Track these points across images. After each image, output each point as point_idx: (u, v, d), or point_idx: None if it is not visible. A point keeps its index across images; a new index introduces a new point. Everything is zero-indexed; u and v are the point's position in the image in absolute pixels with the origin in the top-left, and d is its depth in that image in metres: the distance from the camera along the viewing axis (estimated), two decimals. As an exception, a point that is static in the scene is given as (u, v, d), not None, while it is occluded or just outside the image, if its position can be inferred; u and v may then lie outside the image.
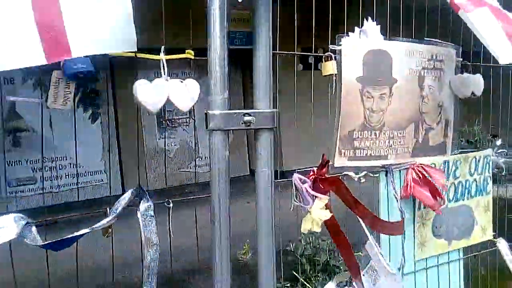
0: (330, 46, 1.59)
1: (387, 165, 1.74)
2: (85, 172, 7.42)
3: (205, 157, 7.48)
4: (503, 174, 2.08)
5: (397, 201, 1.74)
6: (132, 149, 6.65)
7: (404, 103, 1.72)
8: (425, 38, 1.81)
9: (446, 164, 1.89)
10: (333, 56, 1.59)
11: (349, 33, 1.63)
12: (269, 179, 1.42)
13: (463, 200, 1.97)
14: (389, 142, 1.71)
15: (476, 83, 1.89)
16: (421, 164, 1.78)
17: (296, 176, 1.57)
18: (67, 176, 7.24)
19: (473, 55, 2.04)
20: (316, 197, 1.55)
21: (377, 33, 1.66)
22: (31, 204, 6.70)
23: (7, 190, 6.78)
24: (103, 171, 7.59)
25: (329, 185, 1.62)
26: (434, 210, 1.77)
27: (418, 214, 1.84)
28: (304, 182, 1.57)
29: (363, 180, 1.72)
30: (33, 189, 6.96)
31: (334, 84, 1.60)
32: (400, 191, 1.78)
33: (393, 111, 1.69)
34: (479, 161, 2.00)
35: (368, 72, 1.62)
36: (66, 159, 7.16)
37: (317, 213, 1.52)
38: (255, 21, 1.36)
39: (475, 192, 2.01)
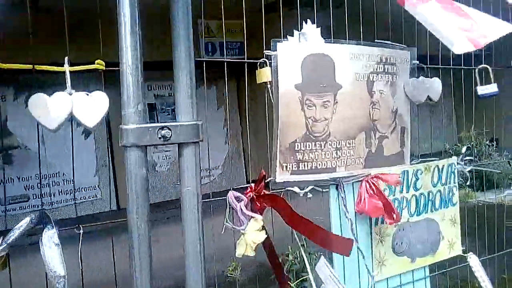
0: (265, 52, 1.48)
1: (337, 178, 1.62)
2: (79, 188, 7.36)
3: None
4: (467, 184, 1.94)
5: (346, 217, 1.61)
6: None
7: (352, 111, 1.59)
8: (376, 40, 1.69)
9: (405, 174, 1.76)
10: (267, 62, 1.48)
11: (288, 36, 1.52)
12: (195, 199, 1.30)
13: (426, 213, 1.83)
14: (337, 153, 1.59)
15: (432, 87, 1.76)
16: (375, 174, 1.66)
17: (231, 193, 1.45)
18: (60, 193, 7.18)
19: (439, 58, 1.91)
20: (252, 217, 1.43)
21: (318, 36, 1.54)
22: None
23: (-1, 209, 6.73)
24: (97, 187, 7.51)
25: (268, 202, 1.50)
26: (388, 223, 1.64)
27: (375, 230, 1.70)
28: (240, 200, 1.45)
29: (310, 195, 1.59)
30: (25, 206, 6.91)
31: (270, 93, 1.48)
32: (354, 205, 1.66)
33: (340, 120, 1.57)
34: (442, 170, 1.87)
35: (307, 79, 1.51)
36: (59, 176, 7.10)
37: (252, 236, 1.39)
38: (173, 25, 1.26)
39: (439, 204, 1.87)
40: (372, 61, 1.62)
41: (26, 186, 6.96)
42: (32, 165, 6.82)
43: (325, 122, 1.55)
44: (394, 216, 1.63)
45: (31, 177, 6.96)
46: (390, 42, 1.69)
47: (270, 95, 1.49)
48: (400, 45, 1.71)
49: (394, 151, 1.74)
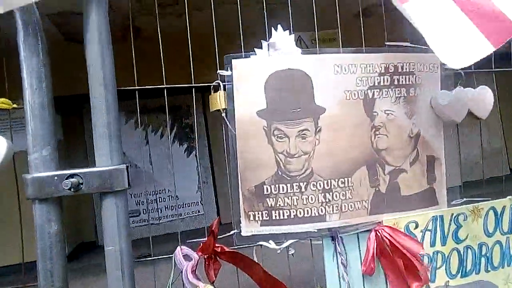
0: (218, 72, 1.17)
1: (331, 228, 1.23)
2: (183, 203, 7.63)
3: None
4: None
5: (344, 280, 1.21)
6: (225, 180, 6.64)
7: (343, 140, 1.20)
8: (386, 43, 1.27)
9: (437, 220, 1.28)
10: (221, 85, 1.17)
11: (256, 49, 1.20)
12: (119, 259, 1.07)
13: (478, 273, 1.32)
14: (325, 196, 1.20)
15: (477, 100, 1.26)
16: (386, 225, 1.23)
17: (178, 250, 1.17)
18: (166, 208, 7.53)
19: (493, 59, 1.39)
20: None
21: (292, 46, 1.19)
22: (136, 235, 7.12)
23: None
24: (199, 203, 7.71)
25: (229, 259, 1.19)
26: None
27: (393, 297, 1.26)
28: (190, 259, 1.16)
29: (291, 251, 1.23)
30: (136, 220, 7.37)
31: (227, 123, 1.17)
32: (360, 264, 1.25)
33: (326, 153, 1.19)
34: (503, 213, 1.33)
35: (274, 103, 1.16)
36: (165, 192, 7.46)
37: (197, 308, 1.09)
38: (88, 55, 1.05)
39: (501, 261, 1.33)
40: (371, 73, 1.20)
41: (137, 202, 7.44)
42: (141, 183, 7.28)
43: (305, 157, 1.18)
44: (421, 275, 1.20)
45: (141, 193, 7.42)
46: (406, 44, 1.25)
47: (228, 125, 1.18)
48: (421, 46, 1.25)
49: (418, 189, 1.28)
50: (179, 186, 7.21)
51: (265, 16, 1.24)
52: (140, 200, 7.39)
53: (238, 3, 1.27)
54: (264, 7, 1.28)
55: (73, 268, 4.90)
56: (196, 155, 7.73)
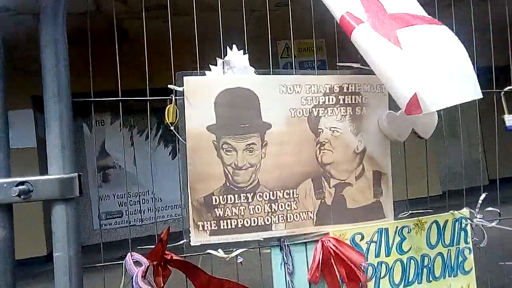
0: (170, 87, 1.23)
1: (278, 237, 1.29)
2: (166, 206, 7.64)
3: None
4: (480, 245, 1.42)
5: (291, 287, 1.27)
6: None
7: (289, 154, 1.26)
8: (337, 63, 1.33)
9: (382, 233, 1.34)
10: (174, 99, 1.23)
11: (211, 66, 1.26)
12: (67, 265, 1.12)
13: (420, 283, 1.38)
14: (270, 206, 1.26)
15: (420, 120, 1.32)
16: (333, 237, 1.29)
17: (129, 257, 1.22)
18: (149, 210, 7.54)
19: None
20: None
21: (245, 64, 1.25)
22: (118, 237, 7.11)
23: (100, 223, 7.32)
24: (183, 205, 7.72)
25: (178, 267, 1.25)
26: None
27: (337, 305, 1.32)
28: (140, 265, 1.21)
29: (240, 259, 1.28)
30: (119, 222, 7.38)
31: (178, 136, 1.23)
32: (307, 273, 1.30)
33: (272, 166, 1.25)
34: (445, 227, 1.40)
35: (223, 119, 1.22)
36: (148, 194, 7.48)
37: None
38: (43, 64, 1.09)
39: (442, 272, 1.40)
40: (316, 93, 1.26)
41: (120, 203, 7.44)
42: (124, 184, 7.29)
43: (252, 169, 1.24)
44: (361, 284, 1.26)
45: (124, 194, 7.43)
46: (356, 65, 1.31)
47: (179, 138, 1.23)
48: (369, 68, 1.31)
49: (364, 202, 1.34)
50: (163, 188, 7.25)
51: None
52: (123, 202, 7.40)
53: (220, 10, 1.32)
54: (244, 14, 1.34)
55: (51, 269, 4.92)
56: (180, 158, 7.75)
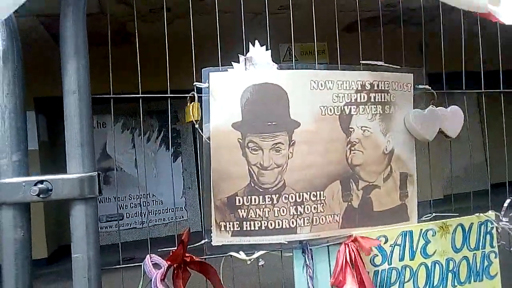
0: (195, 84, 1.18)
1: (302, 240, 1.24)
2: (167, 209, 7.55)
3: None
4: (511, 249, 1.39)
5: (312, 293, 1.22)
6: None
7: (317, 155, 1.21)
8: (361, 62, 1.28)
9: (407, 236, 1.30)
10: (196, 97, 1.17)
11: (233, 63, 1.20)
12: (86, 267, 1.07)
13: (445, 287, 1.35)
14: (296, 209, 1.21)
15: (447, 119, 1.28)
16: (355, 237, 1.25)
17: (148, 259, 1.17)
18: (150, 213, 7.44)
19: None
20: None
21: (268, 61, 1.20)
22: (118, 239, 7.02)
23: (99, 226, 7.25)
24: (183, 208, 7.65)
25: (199, 270, 1.20)
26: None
27: (361, 310, 1.28)
28: (159, 267, 1.16)
29: (261, 262, 1.24)
30: (120, 224, 7.27)
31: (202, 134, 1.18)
32: (330, 277, 1.26)
33: (299, 167, 1.20)
34: (470, 230, 1.36)
35: (250, 116, 1.17)
36: (149, 197, 7.38)
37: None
38: (63, 62, 1.04)
39: (468, 277, 1.36)
40: (348, 89, 1.22)
41: (121, 205, 7.35)
42: (126, 186, 7.20)
43: (278, 169, 1.19)
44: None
45: (125, 197, 7.33)
46: (380, 63, 1.27)
47: (203, 136, 1.18)
48: (396, 66, 1.27)
49: (391, 205, 1.30)
50: (164, 191, 7.18)
51: (243, 28, 1.25)
52: (124, 204, 7.32)
53: (217, 13, 1.27)
54: (242, 17, 1.28)
55: (53, 271, 4.84)
56: (181, 161, 7.68)
